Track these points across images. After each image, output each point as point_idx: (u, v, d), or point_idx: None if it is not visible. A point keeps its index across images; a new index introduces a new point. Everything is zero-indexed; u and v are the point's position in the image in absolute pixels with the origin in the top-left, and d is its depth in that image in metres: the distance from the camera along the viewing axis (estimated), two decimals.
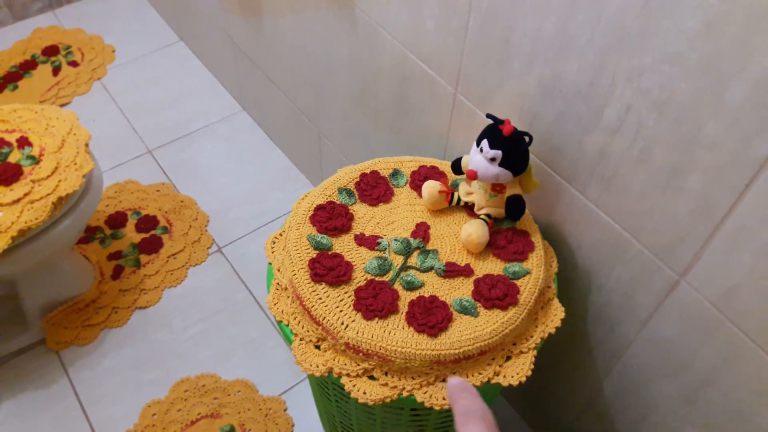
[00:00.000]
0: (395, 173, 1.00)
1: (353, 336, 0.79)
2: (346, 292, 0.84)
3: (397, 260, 0.88)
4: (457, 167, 0.94)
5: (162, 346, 1.47)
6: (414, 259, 0.88)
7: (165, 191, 1.75)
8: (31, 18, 2.29)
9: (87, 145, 1.32)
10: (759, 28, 0.58)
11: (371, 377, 0.81)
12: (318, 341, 0.84)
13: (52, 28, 2.25)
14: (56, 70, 2.11)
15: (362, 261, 0.88)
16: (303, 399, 1.39)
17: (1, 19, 2.23)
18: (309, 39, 1.36)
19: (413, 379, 0.80)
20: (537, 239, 0.89)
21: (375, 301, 0.82)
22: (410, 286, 0.85)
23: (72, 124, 1.34)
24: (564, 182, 0.88)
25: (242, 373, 1.42)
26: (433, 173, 0.99)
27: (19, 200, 1.20)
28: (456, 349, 0.78)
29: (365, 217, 0.94)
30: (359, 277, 0.86)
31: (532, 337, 0.84)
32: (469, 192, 0.92)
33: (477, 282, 0.84)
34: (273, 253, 0.95)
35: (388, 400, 0.79)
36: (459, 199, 0.93)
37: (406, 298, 0.84)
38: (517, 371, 0.82)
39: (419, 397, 0.79)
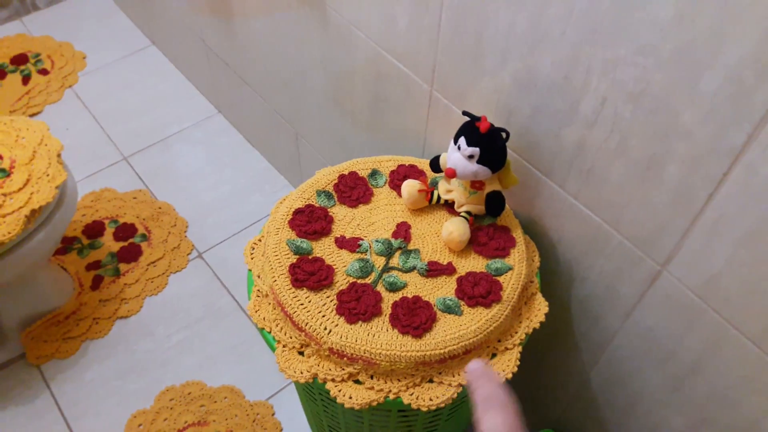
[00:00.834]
0: (374, 173, 0.99)
1: (337, 341, 0.78)
2: (328, 297, 0.83)
3: (379, 261, 0.87)
4: (435, 165, 0.93)
5: (145, 356, 1.45)
6: (396, 260, 0.88)
7: (142, 198, 1.73)
8: None
9: (59, 155, 1.30)
10: (730, 17, 0.58)
11: (357, 381, 0.80)
12: (301, 347, 0.83)
13: (19, 36, 2.20)
14: (26, 79, 2.06)
15: (343, 264, 0.87)
16: (290, 403, 1.38)
17: None
18: (282, 39, 1.34)
19: (399, 381, 0.79)
20: (518, 234, 0.89)
21: (358, 304, 0.81)
22: (393, 287, 0.84)
23: (43, 135, 1.31)
24: (543, 177, 0.88)
25: (228, 379, 1.41)
26: (412, 172, 0.98)
27: None
28: (441, 349, 0.78)
29: (345, 219, 0.93)
30: (341, 281, 0.85)
31: (516, 333, 0.84)
32: (448, 190, 0.92)
33: (460, 280, 0.84)
34: (252, 259, 0.94)
35: (374, 403, 0.78)
36: (439, 198, 0.93)
37: (389, 299, 0.83)
38: (503, 368, 0.82)
39: (406, 399, 0.78)
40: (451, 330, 0.79)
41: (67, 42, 2.19)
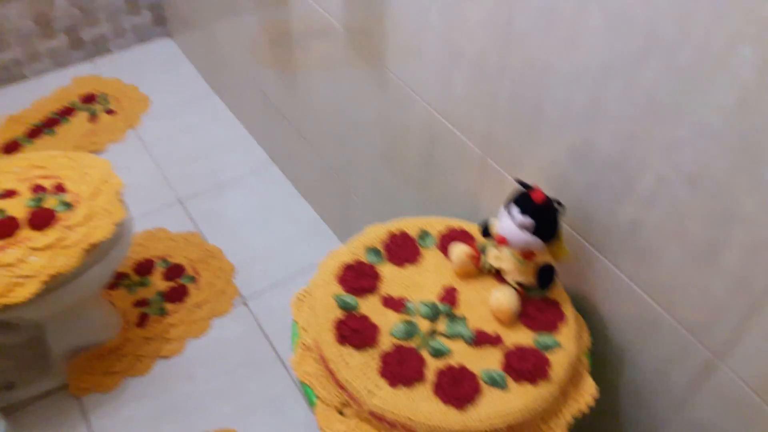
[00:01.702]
0: (423, 234, 1.00)
1: (378, 404, 0.78)
2: (371, 357, 0.83)
3: (424, 325, 0.87)
4: (485, 230, 0.94)
5: (183, 398, 1.46)
6: (442, 325, 0.87)
7: (193, 240, 1.77)
8: (71, 66, 2.37)
9: (120, 193, 1.35)
10: None
11: None
12: (342, 406, 0.83)
13: (91, 77, 2.33)
14: (93, 118, 2.17)
15: (388, 324, 0.87)
16: None
17: (43, 68, 2.32)
18: (340, 97, 1.39)
19: None
20: (568, 310, 0.88)
21: (402, 368, 0.81)
22: (437, 354, 0.83)
23: (106, 172, 1.37)
24: (596, 252, 0.87)
25: (262, 430, 1.40)
26: (462, 236, 0.99)
27: (51, 246, 1.21)
28: (484, 424, 0.76)
29: (392, 277, 0.94)
30: (385, 341, 0.85)
31: (562, 414, 0.82)
32: (497, 257, 0.92)
33: (507, 354, 0.83)
34: (299, 311, 0.95)
35: None
36: (488, 264, 0.93)
37: (432, 365, 0.82)
38: None
39: None
40: (496, 405, 0.78)
41: (134, 85, 2.30)
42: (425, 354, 0.84)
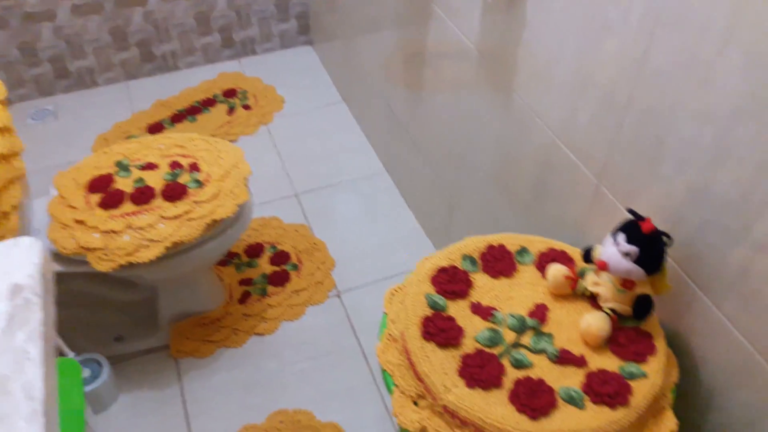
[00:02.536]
0: (522, 251, 1.01)
1: (453, 400, 0.80)
2: (453, 356, 0.85)
3: (509, 336, 0.88)
4: (587, 256, 0.93)
5: (269, 374, 1.54)
6: (527, 339, 0.88)
7: (302, 232, 1.87)
8: (219, 62, 2.59)
9: (246, 179, 1.46)
10: None
11: None
12: (417, 397, 0.85)
13: (235, 74, 2.53)
14: (231, 110, 2.35)
15: (474, 329, 0.89)
16: None
17: (194, 61, 2.55)
18: (462, 115, 1.43)
19: None
20: (660, 343, 0.86)
21: (481, 371, 0.83)
22: (518, 364, 0.84)
23: (238, 159, 1.49)
24: (699, 291, 0.85)
25: (336, 417, 1.45)
26: (562, 257, 0.99)
27: (179, 216, 1.34)
28: None
29: (485, 287, 0.95)
30: (468, 344, 0.87)
31: None
32: (596, 282, 0.91)
33: (589, 375, 0.82)
34: (390, 304, 0.99)
35: None
36: (585, 289, 0.92)
37: (512, 375, 0.83)
38: None
39: None
40: (570, 422, 0.77)
41: (272, 86, 2.47)
42: (506, 363, 0.85)
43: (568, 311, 0.92)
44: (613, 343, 0.86)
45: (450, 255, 1.00)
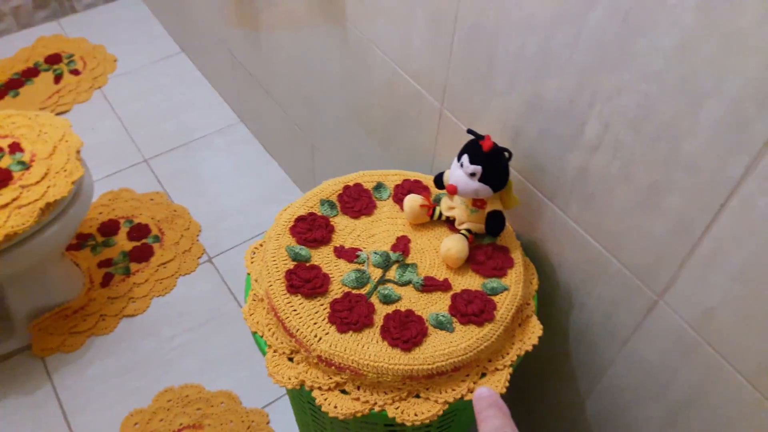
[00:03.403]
0: (379, 186, 1.00)
1: (326, 349, 0.79)
2: (321, 305, 0.83)
3: (376, 273, 0.87)
4: (439, 182, 0.94)
5: (148, 355, 1.47)
6: (392, 273, 0.88)
7: (158, 200, 1.76)
8: (35, 27, 2.31)
9: (78, 152, 1.33)
10: (732, 49, 0.58)
11: (343, 391, 0.80)
12: (291, 353, 0.83)
13: (55, 36, 2.27)
14: (58, 78, 2.12)
15: (340, 273, 0.87)
16: (286, 412, 1.37)
17: (6, 28, 2.26)
18: (304, 53, 1.37)
19: (386, 394, 0.79)
20: (517, 255, 0.89)
21: (350, 314, 0.82)
22: (387, 300, 0.84)
23: (64, 132, 1.35)
24: (545, 199, 0.88)
25: (226, 384, 1.41)
26: (417, 187, 0.99)
27: (6, 205, 1.20)
28: (429, 364, 0.77)
29: (346, 229, 0.94)
30: (336, 290, 0.85)
31: (508, 354, 0.83)
32: (450, 207, 0.92)
33: (454, 297, 0.84)
34: (252, 263, 0.95)
35: (359, 414, 0.78)
36: (441, 214, 0.93)
37: (382, 311, 0.83)
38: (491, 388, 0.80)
39: (391, 412, 0.78)
40: (441, 346, 0.79)
41: (101, 45, 2.25)
42: (375, 301, 0.84)
43: (429, 238, 0.92)
44: (473, 262, 0.88)
45: (307, 202, 0.97)
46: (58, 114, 2.02)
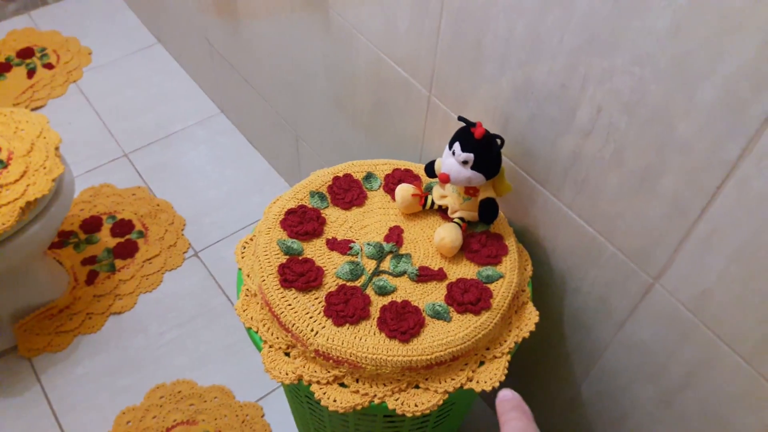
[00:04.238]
0: (369, 176, 0.98)
1: (323, 343, 0.78)
2: (316, 298, 0.82)
3: (370, 265, 0.87)
4: (430, 170, 0.93)
5: (137, 352, 1.45)
6: (387, 264, 0.87)
7: (141, 195, 1.73)
8: (5, 20, 2.25)
9: (57, 148, 1.30)
10: (726, 29, 0.58)
11: (342, 384, 0.79)
12: (288, 348, 0.82)
13: (27, 30, 2.21)
14: (31, 73, 2.07)
15: (334, 266, 0.86)
16: (280, 405, 1.37)
17: None
18: (286, 41, 1.34)
19: (385, 385, 0.78)
20: (511, 242, 0.88)
21: (346, 307, 0.81)
22: (382, 291, 0.83)
23: (42, 128, 1.31)
24: (538, 185, 0.87)
25: (219, 379, 1.40)
26: (407, 176, 0.98)
27: None
28: (428, 354, 0.77)
29: (338, 221, 0.92)
30: (330, 283, 0.84)
31: (505, 341, 0.83)
32: (442, 195, 0.91)
33: (450, 286, 0.83)
34: (243, 258, 0.93)
35: (359, 407, 0.78)
36: (433, 203, 0.92)
37: (377, 303, 0.82)
38: (490, 376, 0.81)
39: (391, 404, 0.78)
40: (439, 336, 0.78)
41: (74, 37, 2.19)
42: (370, 292, 0.83)
43: (422, 228, 0.92)
44: (467, 250, 0.88)
45: (297, 194, 0.95)
46: (33, 110, 1.97)
